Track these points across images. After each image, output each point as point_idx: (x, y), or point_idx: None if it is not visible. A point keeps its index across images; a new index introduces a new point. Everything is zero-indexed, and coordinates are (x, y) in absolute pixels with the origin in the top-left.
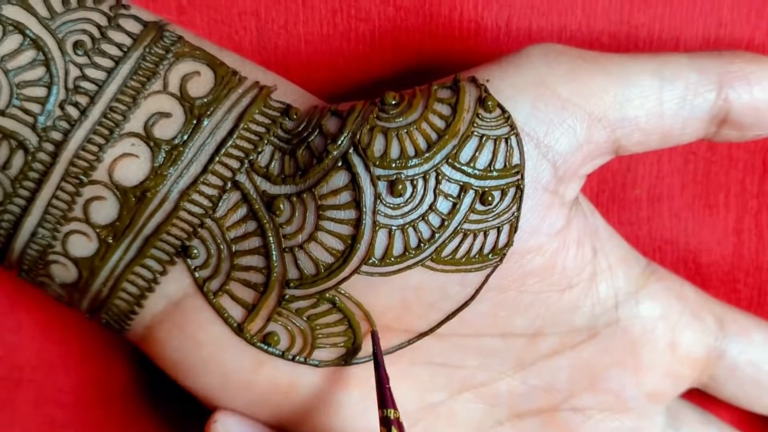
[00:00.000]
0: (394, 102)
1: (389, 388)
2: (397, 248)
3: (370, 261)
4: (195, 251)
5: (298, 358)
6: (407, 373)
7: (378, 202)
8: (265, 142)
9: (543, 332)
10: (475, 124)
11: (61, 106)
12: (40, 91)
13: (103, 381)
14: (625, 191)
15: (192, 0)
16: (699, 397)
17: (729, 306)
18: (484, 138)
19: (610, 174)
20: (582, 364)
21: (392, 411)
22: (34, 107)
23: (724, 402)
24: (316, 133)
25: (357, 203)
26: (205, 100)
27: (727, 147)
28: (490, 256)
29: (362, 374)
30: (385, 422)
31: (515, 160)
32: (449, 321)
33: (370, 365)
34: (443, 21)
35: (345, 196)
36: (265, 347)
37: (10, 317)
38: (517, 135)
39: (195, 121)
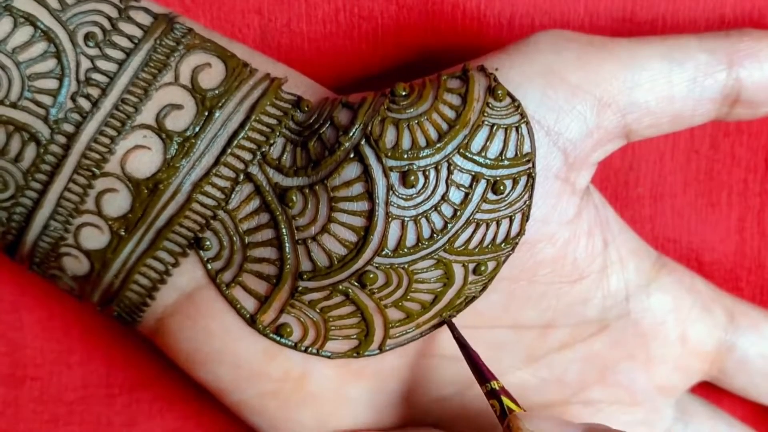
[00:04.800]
0: (404, 93)
1: (482, 362)
2: (410, 239)
3: (384, 252)
4: (207, 243)
5: (310, 349)
6: (418, 366)
7: (390, 193)
8: (277, 134)
9: (554, 324)
10: (485, 114)
11: (73, 98)
12: (51, 83)
13: (107, 378)
14: (628, 189)
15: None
16: (707, 390)
17: (739, 299)
18: (495, 127)
19: (613, 172)
20: (593, 357)
21: (495, 382)
22: (46, 99)
23: (734, 395)
24: (327, 125)
25: (369, 194)
26: (217, 91)
27: (729, 145)
28: (502, 245)
29: (374, 366)
30: (492, 394)
31: (526, 148)
32: (461, 312)
33: (383, 357)
34: (446, 18)
35: (357, 188)
36: (278, 338)
37: (12, 315)
38: (527, 123)
39: (207, 113)
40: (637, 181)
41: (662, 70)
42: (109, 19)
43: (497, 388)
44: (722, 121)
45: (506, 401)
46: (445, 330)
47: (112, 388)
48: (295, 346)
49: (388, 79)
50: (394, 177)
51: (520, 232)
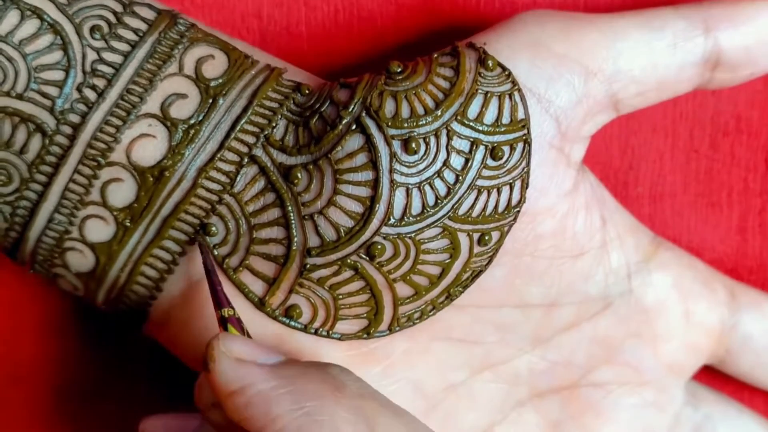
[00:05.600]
0: (399, 69)
1: (221, 290)
2: (416, 207)
3: (390, 222)
4: (213, 228)
5: (320, 331)
6: (427, 350)
7: (394, 161)
8: (279, 116)
9: (558, 303)
10: (478, 83)
11: (79, 89)
12: (57, 75)
13: (102, 380)
14: (627, 189)
15: (195, 2)
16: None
17: (737, 282)
18: (489, 95)
19: (612, 172)
20: (599, 337)
21: (227, 310)
22: (52, 90)
23: (737, 392)
24: (327, 104)
25: (374, 164)
26: (220, 80)
27: (729, 145)
28: (504, 213)
29: (384, 349)
30: (223, 321)
31: (520, 114)
32: (468, 288)
33: (392, 341)
34: (445, 18)
35: (361, 158)
36: (287, 321)
37: (13, 316)
38: (519, 90)
39: (210, 101)
40: (637, 181)
41: (642, 38)
42: (115, 13)
43: (227, 316)
44: (704, 88)
45: (232, 330)
46: (451, 309)
47: (111, 389)
48: (305, 328)
49: None
50: (396, 145)
51: (521, 200)
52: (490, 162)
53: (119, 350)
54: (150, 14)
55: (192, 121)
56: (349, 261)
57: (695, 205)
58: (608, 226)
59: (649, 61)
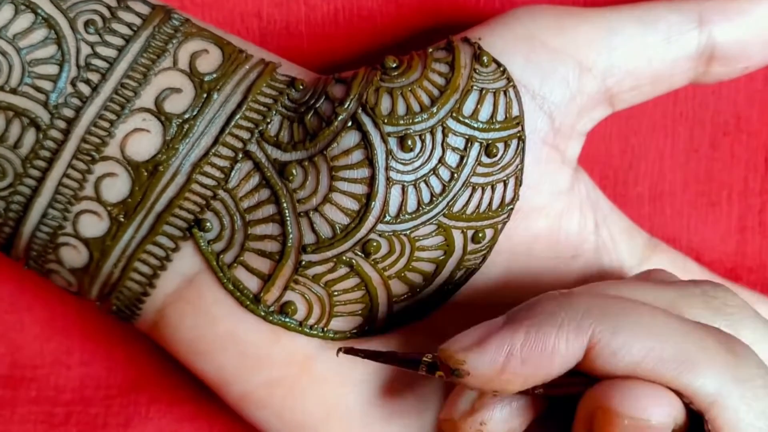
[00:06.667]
0: (394, 65)
1: (402, 353)
2: (411, 204)
3: (386, 219)
4: (208, 224)
5: (315, 327)
6: (424, 346)
7: (390, 158)
8: (274, 112)
9: None
10: (473, 79)
11: (73, 83)
12: (51, 69)
13: (106, 380)
14: (627, 189)
15: (195, 1)
16: None
17: (734, 283)
18: (484, 91)
19: (612, 171)
20: None
21: (427, 356)
22: (46, 85)
23: None
24: (322, 100)
25: (369, 161)
26: (214, 75)
27: (729, 145)
28: (498, 210)
29: (379, 347)
30: (431, 368)
31: (515, 111)
32: (462, 287)
33: (387, 338)
34: (445, 18)
35: (357, 155)
36: (282, 318)
37: (13, 316)
38: (514, 87)
39: (205, 96)
40: (637, 180)
41: (636, 32)
42: (109, 7)
43: (431, 360)
44: (700, 84)
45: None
46: (449, 310)
47: (110, 390)
48: (300, 325)
49: None
50: (392, 142)
51: (515, 198)
52: (484, 159)
53: (120, 349)
54: (144, 9)
55: (186, 116)
56: (344, 258)
57: (695, 204)
58: (602, 228)
59: (643, 56)
